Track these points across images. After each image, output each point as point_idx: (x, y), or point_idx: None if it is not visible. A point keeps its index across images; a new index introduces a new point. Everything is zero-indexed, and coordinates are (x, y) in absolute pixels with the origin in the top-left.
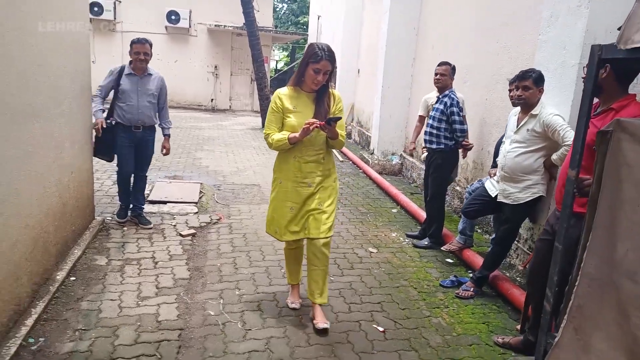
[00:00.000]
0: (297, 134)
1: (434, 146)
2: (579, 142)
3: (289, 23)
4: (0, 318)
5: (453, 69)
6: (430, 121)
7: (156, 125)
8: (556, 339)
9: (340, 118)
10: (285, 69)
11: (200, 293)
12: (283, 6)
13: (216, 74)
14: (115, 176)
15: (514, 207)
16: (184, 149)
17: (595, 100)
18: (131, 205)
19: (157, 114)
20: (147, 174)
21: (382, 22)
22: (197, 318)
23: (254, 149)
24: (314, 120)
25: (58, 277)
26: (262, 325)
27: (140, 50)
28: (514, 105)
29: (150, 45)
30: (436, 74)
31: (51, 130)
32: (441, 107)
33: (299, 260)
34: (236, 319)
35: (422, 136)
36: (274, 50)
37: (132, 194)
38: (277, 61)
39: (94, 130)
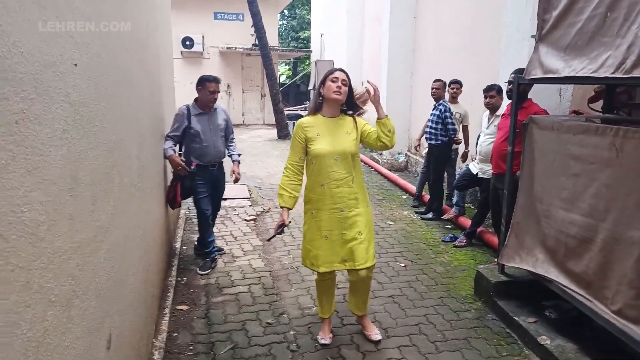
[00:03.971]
0: (284, 214)
1: (433, 142)
2: (513, 127)
3: (290, 39)
4: (164, 265)
5: (445, 84)
6: (429, 123)
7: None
8: (505, 242)
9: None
10: (288, 82)
11: (273, 253)
12: (283, 23)
13: (229, 92)
14: None
15: (489, 179)
16: None
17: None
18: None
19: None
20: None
21: (383, 42)
22: (278, 266)
23: (277, 157)
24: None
25: (177, 246)
26: None
27: (216, 89)
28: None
29: None
30: (432, 88)
31: (157, 150)
32: (437, 112)
33: (332, 291)
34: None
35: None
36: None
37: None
38: (279, 75)
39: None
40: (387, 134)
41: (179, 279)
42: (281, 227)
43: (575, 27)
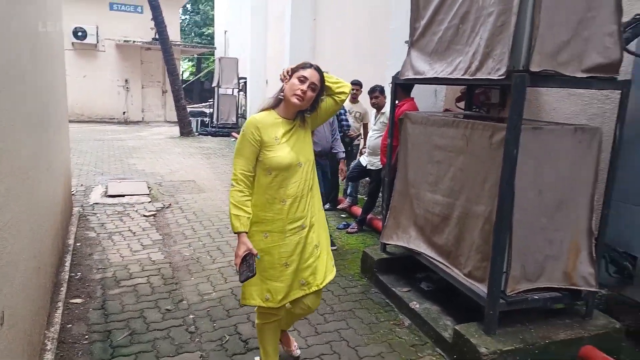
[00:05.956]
0: (245, 241)
1: None
2: (391, 123)
3: (193, 35)
4: (56, 259)
5: None
6: None
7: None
8: (384, 223)
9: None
10: (192, 79)
11: (174, 246)
12: (186, 18)
13: (127, 87)
14: None
15: (376, 171)
16: (116, 158)
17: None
18: None
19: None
20: None
21: (285, 41)
22: (178, 257)
23: (179, 154)
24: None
25: (70, 242)
26: (224, 256)
27: None
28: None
29: None
30: None
31: (59, 138)
32: None
33: (279, 332)
34: (205, 255)
35: None
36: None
37: None
38: (182, 72)
39: None
40: (337, 81)
41: (73, 274)
42: (249, 260)
43: (437, 35)
